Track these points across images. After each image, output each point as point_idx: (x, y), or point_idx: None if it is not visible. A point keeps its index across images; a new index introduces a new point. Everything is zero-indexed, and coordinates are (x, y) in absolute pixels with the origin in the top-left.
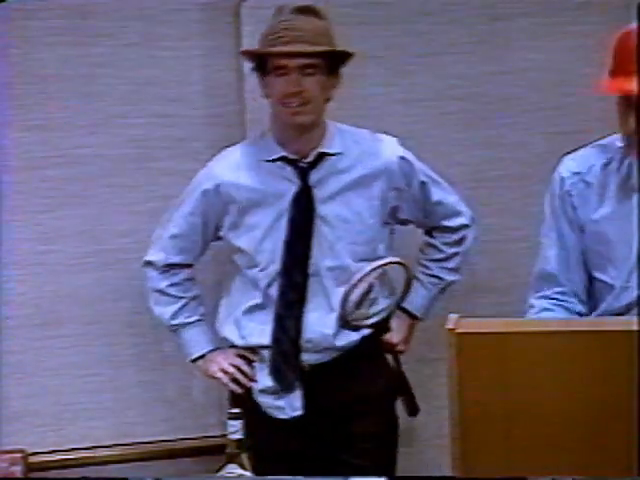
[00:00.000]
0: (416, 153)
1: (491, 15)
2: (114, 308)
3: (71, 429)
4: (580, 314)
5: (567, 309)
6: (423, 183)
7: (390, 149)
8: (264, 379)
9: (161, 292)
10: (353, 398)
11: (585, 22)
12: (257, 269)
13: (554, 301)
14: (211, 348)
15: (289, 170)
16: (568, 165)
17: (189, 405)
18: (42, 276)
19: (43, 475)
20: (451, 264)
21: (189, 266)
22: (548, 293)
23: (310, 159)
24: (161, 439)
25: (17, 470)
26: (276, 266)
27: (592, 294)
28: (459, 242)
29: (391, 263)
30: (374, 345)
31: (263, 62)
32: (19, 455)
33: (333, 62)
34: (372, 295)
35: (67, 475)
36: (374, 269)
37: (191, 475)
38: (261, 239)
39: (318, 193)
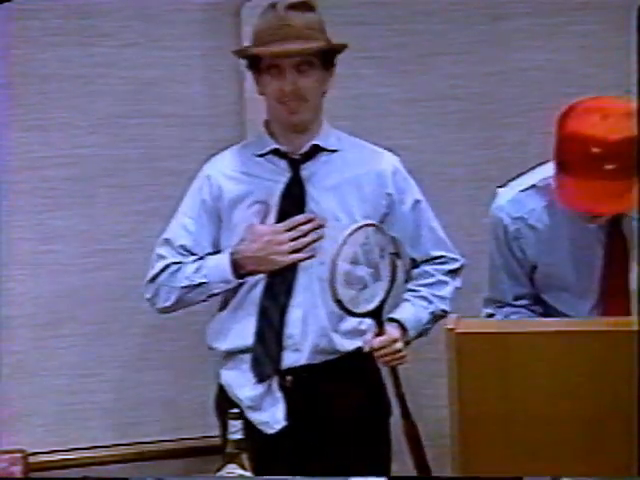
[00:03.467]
0: (416, 153)
1: (491, 15)
2: (114, 308)
3: (71, 429)
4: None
5: (532, 312)
6: (417, 202)
7: (387, 159)
8: (249, 390)
9: (171, 275)
10: (337, 416)
11: (585, 22)
12: None
13: (513, 308)
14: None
15: (281, 163)
16: (506, 209)
17: (189, 405)
18: (42, 276)
19: (43, 475)
20: (441, 292)
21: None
22: (505, 308)
23: (303, 150)
24: (161, 439)
25: (17, 470)
26: None
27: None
28: (451, 273)
29: (367, 225)
30: (362, 363)
31: (257, 60)
32: (19, 455)
33: (328, 56)
34: (359, 272)
35: (67, 475)
36: (351, 233)
37: (191, 475)
38: None
39: (310, 187)
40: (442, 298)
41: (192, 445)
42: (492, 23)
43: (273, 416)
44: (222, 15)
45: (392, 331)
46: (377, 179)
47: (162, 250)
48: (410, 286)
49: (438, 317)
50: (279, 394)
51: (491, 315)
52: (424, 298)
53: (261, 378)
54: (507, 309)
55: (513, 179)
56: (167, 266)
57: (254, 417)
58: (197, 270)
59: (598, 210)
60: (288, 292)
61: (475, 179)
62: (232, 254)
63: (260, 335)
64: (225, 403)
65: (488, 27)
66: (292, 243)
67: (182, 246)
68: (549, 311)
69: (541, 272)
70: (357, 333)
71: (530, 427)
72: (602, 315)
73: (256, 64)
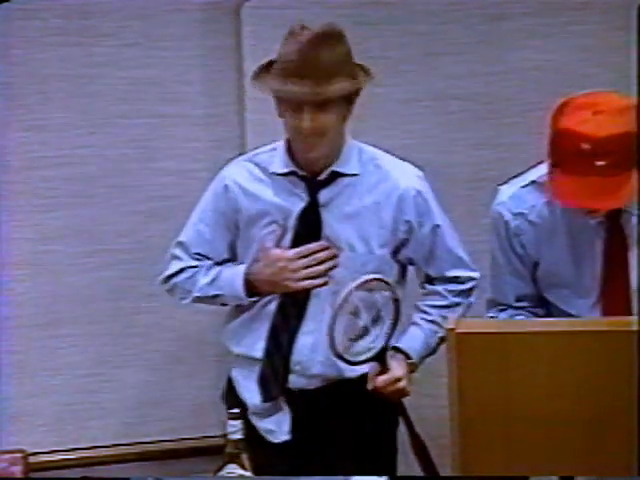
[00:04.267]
0: (416, 153)
1: (491, 15)
2: (114, 308)
3: (71, 429)
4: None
5: (534, 314)
6: (437, 226)
7: (409, 180)
8: (254, 396)
9: (185, 281)
10: (342, 431)
11: (585, 22)
12: None
13: (516, 310)
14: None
15: (299, 185)
16: (507, 205)
17: (189, 405)
18: (42, 276)
19: (43, 475)
20: (452, 315)
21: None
22: (507, 309)
23: (323, 177)
24: (161, 439)
25: (17, 470)
26: None
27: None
28: (464, 293)
29: (372, 280)
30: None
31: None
32: (19, 455)
33: (351, 95)
34: (360, 322)
35: (67, 475)
36: (355, 287)
37: (191, 475)
38: None
39: (327, 213)
40: (443, 316)
41: (192, 445)
42: (492, 23)
43: (279, 426)
44: (222, 15)
45: (396, 367)
46: (397, 205)
47: (178, 251)
48: (421, 306)
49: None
50: (285, 407)
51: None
52: (434, 323)
53: (267, 398)
54: (510, 311)
55: (514, 177)
56: (183, 269)
57: (259, 424)
58: (212, 282)
59: (591, 206)
60: (299, 317)
61: (475, 179)
62: (246, 274)
63: (269, 356)
64: (233, 397)
65: (488, 27)
66: (306, 271)
67: (198, 253)
68: (551, 311)
69: (542, 269)
70: (366, 361)
71: (530, 427)
72: (602, 312)
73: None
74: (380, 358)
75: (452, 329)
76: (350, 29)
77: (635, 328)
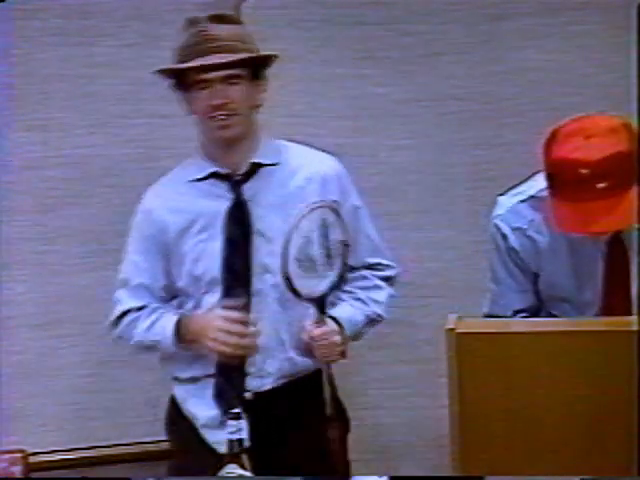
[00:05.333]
0: (416, 153)
1: (491, 15)
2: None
3: (71, 429)
4: None
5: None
6: (357, 208)
7: (328, 162)
8: (206, 410)
9: (129, 324)
10: (297, 430)
11: (585, 22)
12: (200, 292)
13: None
14: (178, 317)
15: (221, 186)
16: (506, 218)
17: None
18: (42, 276)
19: (43, 475)
20: (377, 295)
21: (147, 306)
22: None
23: (243, 171)
24: (161, 439)
25: (17, 470)
26: (218, 287)
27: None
28: (387, 280)
29: (326, 206)
30: (319, 377)
31: (182, 78)
32: (19, 455)
33: (257, 68)
34: (312, 251)
35: (67, 475)
36: (310, 210)
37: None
38: (199, 261)
39: (254, 207)
40: (378, 302)
41: None
42: (492, 23)
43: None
44: None
45: (332, 324)
46: (322, 186)
47: (120, 293)
48: (346, 288)
49: (373, 321)
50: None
51: None
52: (360, 300)
53: (225, 409)
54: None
55: (513, 187)
56: (124, 313)
57: (209, 436)
58: (149, 328)
59: (598, 230)
60: (244, 323)
61: (475, 179)
62: (179, 319)
63: (221, 368)
64: (180, 418)
65: (488, 27)
66: (222, 336)
67: (139, 284)
68: None
69: (543, 282)
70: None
71: (530, 427)
72: None
73: (182, 82)
74: (321, 304)
75: (452, 329)
76: (350, 29)
77: (635, 328)
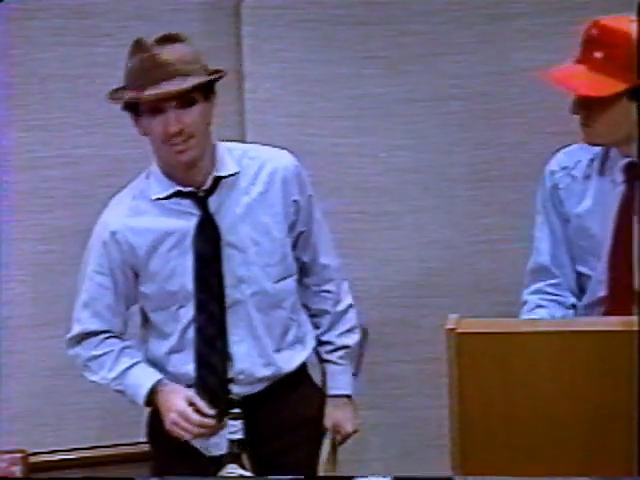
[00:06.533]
0: (416, 153)
1: (491, 15)
2: None
3: (71, 429)
4: (574, 306)
5: (560, 303)
6: (310, 196)
7: (284, 159)
8: None
9: (90, 359)
10: (288, 425)
11: (585, 22)
12: (174, 308)
13: (547, 295)
14: (156, 379)
15: (186, 203)
16: (559, 159)
17: None
18: (42, 276)
19: (43, 475)
20: (339, 325)
21: (109, 332)
22: (541, 286)
23: (207, 186)
24: None
25: (17, 470)
26: (192, 302)
27: (579, 286)
28: (330, 292)
29: None
30: (301, 377)
31: (132, 103)
32: (19, 455)
33: (209, 86)
34: None
35: (67, 475)
36: None
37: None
38: (172, 278)
39: (221, 220)
40: (350, 331)
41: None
42: (492, 23)
43: (221, 437)
44: (221, 15)
45: (342, 420)
46: (282, 187)
47: (81, 313)
48: (320, 335)
49: (359, 337)
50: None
51: (525, 302)
52: (341, 348)
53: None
54: (536, 298)
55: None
56: (86, 335)
57: (197, 441)
58: (121, 376)
59: (564, 85)
60: (222, 331)
61: (475, 179)
62: (155, 386)
63: (201, 380)
64: (162, 427)
65: (488, 27)
66: (182, 422)
67: (103, 305)
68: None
69: (572, 227)
70: (298, 342)
71: (530, 427)
72: (607, 274)
73: (134, 106)
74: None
75: (452, 329)
76: (350, 29)
77: (635, 328)
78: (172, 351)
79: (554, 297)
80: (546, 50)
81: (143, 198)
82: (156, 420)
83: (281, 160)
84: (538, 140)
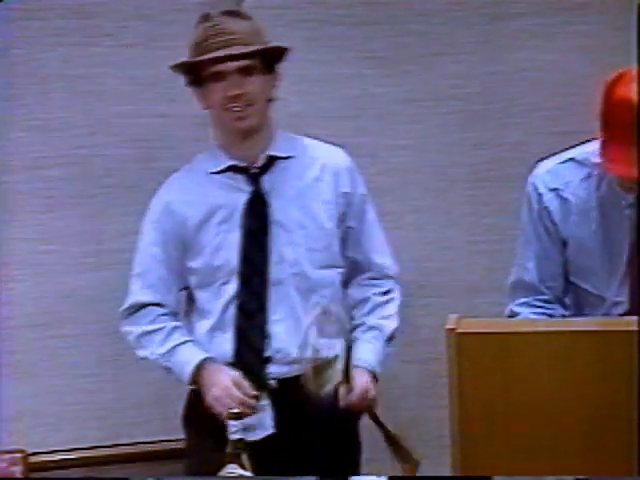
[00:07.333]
0: (416, 153)
1: (491, 15)
2: (114, 308)
3: (71, 429)
4: (564, 317)
5: (551, 316)
6: (364, 196)
7: (339, 154)
8: None
9: (142, 334)
10: (322, 415)
11: (585, 22)
12: (218, 284)
13: (538, 309)
14: (204, 357)
15: (239, 178)
16: (544, 179)
17: None
18: (42, 276)
19: (43, 475)
20: (387, 311)
21: (162, 307)
22: (529, 300)
23: (260, 163)
24: (161, 439)
25: (17, 470)
26: (236, 278)
27: (576, 300)
28: (387, 292)
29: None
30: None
31: (196, 72)
32: (19, 455)
33: (270, 61)
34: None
35: (67, 475)
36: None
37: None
38: (219, 252)
39: (272, 199)
40: (390, 317)
41: None
42: (492, 23)
43: (261, 421)
44: None
45: (361, 380)
46: (334, 179)
47: (135, 285)
48: (356, 320)
49: (391, 339)
50: (266, 401)
51: (512, 315)
52: (373, 328)
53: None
54: (529, 309)
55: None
56: (140, 307)
57: (235, 422)
58: (168, 354)
59: None
60: (262, 309)
61: (475, 179)
62: (201, 363)
63: (241, 357)
64: (200, 410)
65: (488, 27)
66: (225, 399)
67: (155, 277)
68: (577, 297)
69: (572, 248)
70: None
71: (530, 427)
72: (628, 295)
73: (197, 77)
74: (346, 378)
75: (452, 329)
76: (350, 29)
77: (635, 328)
78: (213, 329)
79: (545, 310)
80: (546, 50)
81: (198, 172)
82: (196, 400)
83: (335, 154)
84: (538, 140)
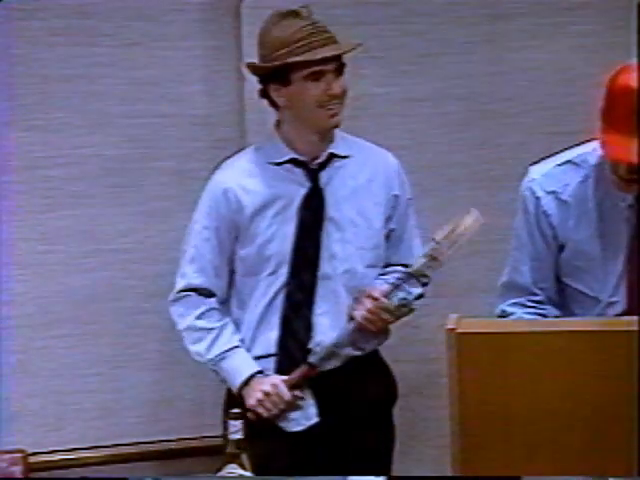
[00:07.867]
0: (416, 153)
1: (491, 15)
2: (114, 308)
3: (71, 429)
4: (557, 317)
5: (544, 316)
6: (410, 199)
7: (389, 157)
8: None
9: (190, 328)
10: (365, 404)
11: (585, 22)
12: (265, 273)
13: (531, 309)
14: (254, 371)
15: (298, 172)
16: (541, 183)
17: (189, 405)
18: (42, 276)
19: (43, 475)
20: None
21: (212, 295)
22: (522, 300)
23: (321, 160)
24: (161, 439)
25: (17, 470)
26: (285, 269)
27: (569, 300)
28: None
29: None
30: (376, 354)
31: (285, 72)
32: (19, 455)
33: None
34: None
35: (67, 475)
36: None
37: (191, 475)
38: (271, 242)
39: (328, 195)
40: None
41: (192, 445)
42: (492, 23)
43: (304, 412)
44: (222, 15)
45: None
46: (385, 181)
47: (187, 267)
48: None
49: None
50: (308, 392)
51: (504, 315)
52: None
53: (289, 388)
54: (522, 309)
55: (545, 158)
56: (187, 292)
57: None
58: (219, 358)
59: None
60: (309, 301)
61: (475, 179)
62: (249, 379)
63: (284, 347)
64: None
65: (488, 27)
66: (267, 401)
67: (207, 260)
68: (567, 299)
69: (569, 250)
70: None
71: (530, 427)
72: (626, 295)
73: (286, 75)
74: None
75: (452, 329)
76: (350, 29)
77: (635, 328)
78: (258, 319)
79: (538, 310)
80: (546, 50)
81: (258, 161)
82: (233, 398)
83: (387, 157)
84: (538, 140)
